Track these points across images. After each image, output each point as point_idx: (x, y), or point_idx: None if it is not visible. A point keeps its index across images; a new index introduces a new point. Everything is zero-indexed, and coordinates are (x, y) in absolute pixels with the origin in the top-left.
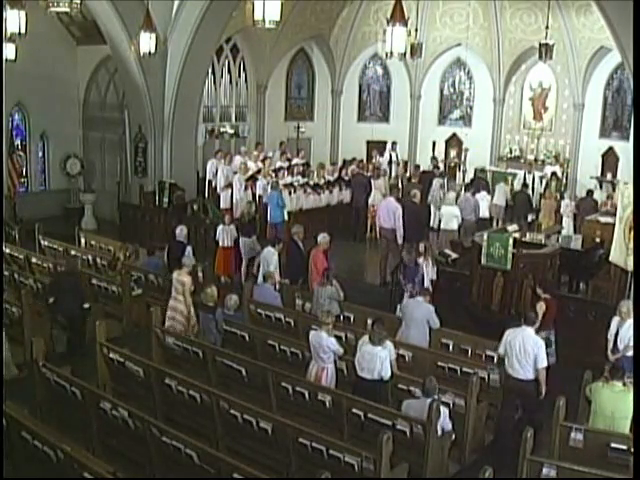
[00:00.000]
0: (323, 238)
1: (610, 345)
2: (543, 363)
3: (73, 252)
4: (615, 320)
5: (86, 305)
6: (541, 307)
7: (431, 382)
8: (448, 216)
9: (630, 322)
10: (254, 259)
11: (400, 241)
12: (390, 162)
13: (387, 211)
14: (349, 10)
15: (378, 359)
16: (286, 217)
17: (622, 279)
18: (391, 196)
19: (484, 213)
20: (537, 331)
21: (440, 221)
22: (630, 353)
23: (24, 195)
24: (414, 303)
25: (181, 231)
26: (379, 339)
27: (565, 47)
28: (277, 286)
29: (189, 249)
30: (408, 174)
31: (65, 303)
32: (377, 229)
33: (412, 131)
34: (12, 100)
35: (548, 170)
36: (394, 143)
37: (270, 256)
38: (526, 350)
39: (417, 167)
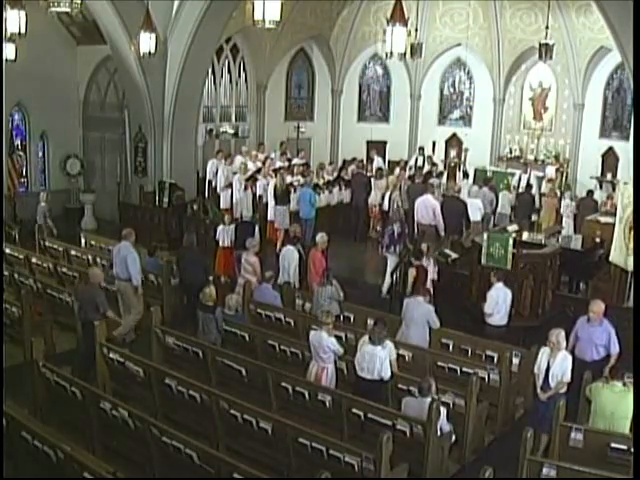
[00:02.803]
0: (321, 238)
1: (539, 381)
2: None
3: (73, 252)
4: (544, 352)
5: (210, 278)
6: (411, 273)
7: (427, 382)
8: (473, 208)
9: (563, 354)
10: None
11: (442, 234)
12: (415, 166)
13: (425, 208)
14: (349, 10)
15: (378, 359)
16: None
17: (622, 279)
18: (428, 194)
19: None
20: (409, 296)
21: None
22: (563, 390)
23: (24, 195)
24: (414, 303)
25: (248, 212)
26: (379, 339)
27: (565, 47)
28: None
29: (257, 227)
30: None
31: (189, 274)
32: (378, 228)
33: (412, 131)
34: (12, 100)
35: (548, 171)
36: (421, 148)
37: (290, 255)
38: None
39: (420, 168)
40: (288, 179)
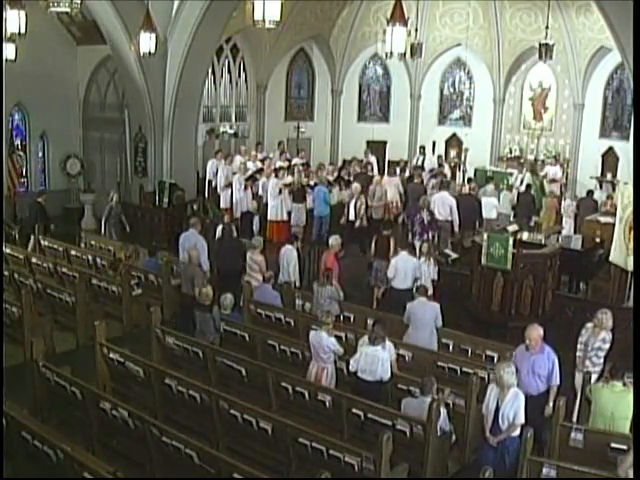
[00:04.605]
0: (335, 240)
1: (489, 423)
2: None
3: (73, 252)
4: (492, 389)
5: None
6: (374, 239)
7: (429, 380)
8: (489, 206)
9: (513, 392)
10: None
11: (457, 230)
12: (417, 166)
13: (442, 204)
14: (349, 10)
15: (379, 361)
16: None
17: (622, 279)
18: (444, 190)
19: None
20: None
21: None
22: (516, 432)
23: (24, 195)
24: (419, 304)
25: (251, 204)
26: (379, 340)
27: (565, 47)
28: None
29: (256, 219)
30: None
31: (226, 261)
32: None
33: (412, 131)
34: (12, 100)
35: (552, 170)
36: (422, 147)
37: (289, 254)
38: None
39: (420, 167)
40: (288, 179)
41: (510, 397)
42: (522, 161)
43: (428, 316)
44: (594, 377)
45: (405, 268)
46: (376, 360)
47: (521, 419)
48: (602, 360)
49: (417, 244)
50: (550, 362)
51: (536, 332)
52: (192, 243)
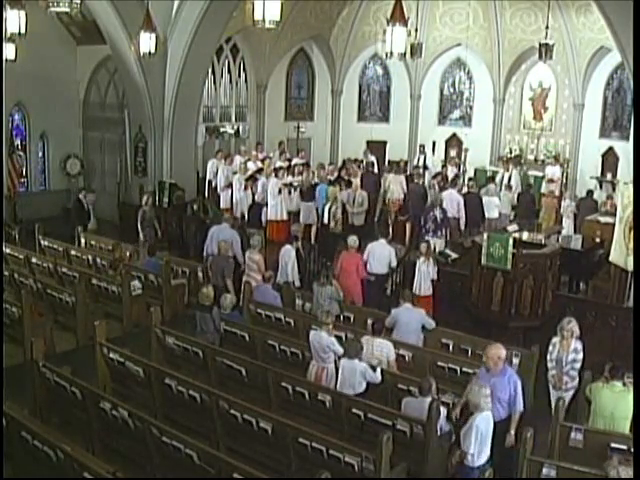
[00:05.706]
0: (354, 242)
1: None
2: None
3: (73, 252)
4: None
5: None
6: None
7: (427, 381)
8: (490, 205)
9: (484, 415)
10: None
11: (462, 227)
12: (417, 166)
13: (451, 202)
14: (349, 10)
15: (358, 373)
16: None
17: (622, 279)
18: (452, 189)
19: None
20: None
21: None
22: (471, 462)
23: (24, 195)
24: (405, 311)
25: (259, 196)
26: (355, 352)
27: (565, 47)
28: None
29: (264, 210)
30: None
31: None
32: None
33: (412, 131)
34: (12, 100)
35: (550, 170)
36: (422, 146)
37: (288, 254)
38: None
39: (422, 167)
40: (289, 179)
41: (471, 420)
42: (508, 160)
43: (414, 322)
44: (569, 395)
45: (375, 253)
46: (353, 372)
47: (466, 446)
48: (577, 373)
49: (431, 241)
50: (512, 386)
51: (494, 351)
52: (226, 236)
